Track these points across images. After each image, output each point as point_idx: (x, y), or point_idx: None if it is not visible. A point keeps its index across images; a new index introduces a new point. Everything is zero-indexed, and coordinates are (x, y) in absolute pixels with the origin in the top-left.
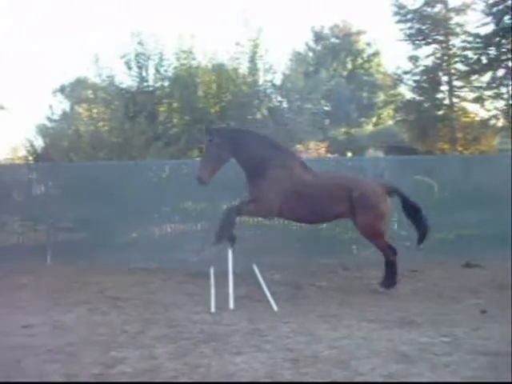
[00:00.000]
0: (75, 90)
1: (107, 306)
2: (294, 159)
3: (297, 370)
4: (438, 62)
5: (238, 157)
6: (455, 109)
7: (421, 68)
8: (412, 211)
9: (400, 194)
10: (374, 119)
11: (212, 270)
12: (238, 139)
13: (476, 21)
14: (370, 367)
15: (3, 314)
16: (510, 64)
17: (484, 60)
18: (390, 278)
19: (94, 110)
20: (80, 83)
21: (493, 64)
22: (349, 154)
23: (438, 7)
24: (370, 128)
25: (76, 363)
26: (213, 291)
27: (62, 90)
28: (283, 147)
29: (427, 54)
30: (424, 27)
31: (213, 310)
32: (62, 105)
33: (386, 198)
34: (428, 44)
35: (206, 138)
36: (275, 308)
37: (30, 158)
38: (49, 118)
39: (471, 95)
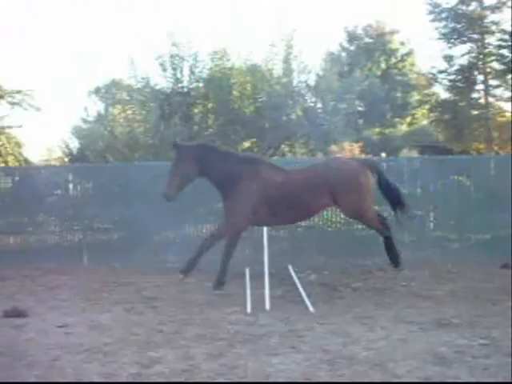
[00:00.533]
0: (110, 92)
1: (143, 305)
2: (261, 165)
3: (333, 371)
4: (474, 60)
5: (207, 176)
6: (491, 108)
7: (456, 67)
8: (387, 188)
9: (377, 171)
10: (409, 119)
11: (247, 271)
12: (203, 158)
13: None
14: (406, 369)
15: (40, 313)
16: None
17: None
18: (393, 254)
19: (129, 112)
20: (115, 85)
21: None
22: (383, 155)
23: (473, 5)
24: (404, 128)
25: (113, 363)
26: (248, 292)
27: (97, 91)
28: (247, 157)
29: (462, 52)
30: (459, 26)
31: (249, 310)
32: (96, 106)
33: (365, 175)
34: (463, 43)
35: (173, 155)
36: (311, 309)
37: (66, 159)
38: (84, 120)
39: (507, 94)
